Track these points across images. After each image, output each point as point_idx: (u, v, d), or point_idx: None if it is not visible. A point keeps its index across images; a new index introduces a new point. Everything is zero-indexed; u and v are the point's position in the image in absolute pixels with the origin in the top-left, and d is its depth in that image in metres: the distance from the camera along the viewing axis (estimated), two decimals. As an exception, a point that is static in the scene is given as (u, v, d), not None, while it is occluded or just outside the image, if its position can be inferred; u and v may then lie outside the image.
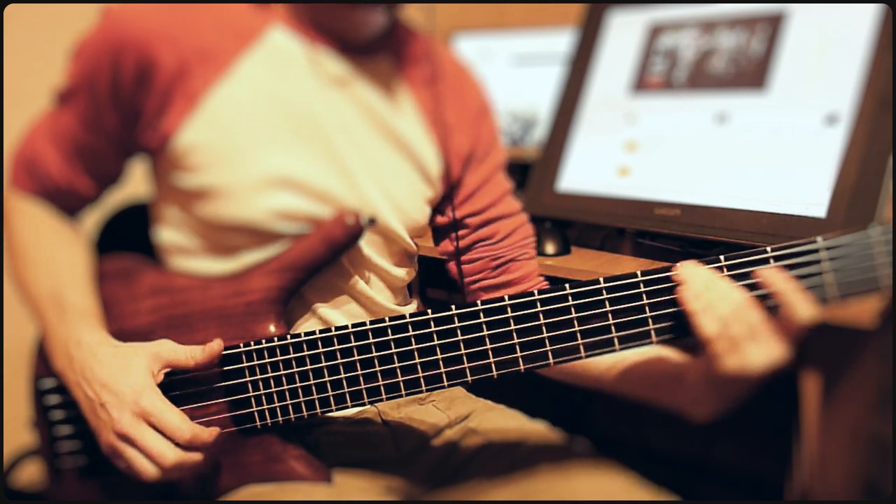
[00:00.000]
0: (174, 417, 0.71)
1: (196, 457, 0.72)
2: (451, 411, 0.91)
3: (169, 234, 0.84)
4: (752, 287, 0.68)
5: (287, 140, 0.79)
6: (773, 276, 0.67)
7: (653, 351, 0.80)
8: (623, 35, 1.22)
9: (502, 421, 0.91)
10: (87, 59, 0.79)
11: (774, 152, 1.00)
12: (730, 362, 0.67)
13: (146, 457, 0.71)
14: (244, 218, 0.78)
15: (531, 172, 1.24)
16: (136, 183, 0.92)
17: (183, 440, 0.71)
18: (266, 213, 0.78)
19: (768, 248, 0.68)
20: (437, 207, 0.92)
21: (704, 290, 0.68)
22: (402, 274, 0.90)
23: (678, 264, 0.71)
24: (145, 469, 0.71)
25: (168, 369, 0.75)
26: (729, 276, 0.69)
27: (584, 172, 1.18)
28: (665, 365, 0.78)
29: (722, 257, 0.69)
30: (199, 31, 0.77)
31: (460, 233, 0.92)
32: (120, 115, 0.80)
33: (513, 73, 1.69)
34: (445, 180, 0.90)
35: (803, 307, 0.66)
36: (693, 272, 0.69)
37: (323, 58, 0.81)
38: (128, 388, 0.71)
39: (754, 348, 0.66)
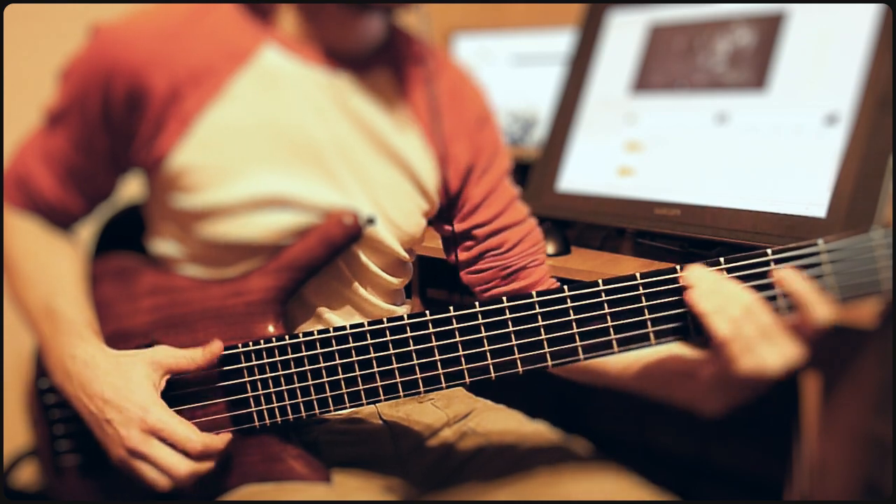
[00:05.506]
0: (184, 430, 0.72)
1: (209, 464, 0.73)
2: (449, 410, 0.91)
3: (165, 246, 0.83)
4: (760, 288, 0.68)
5: (281, 159, 0.78)
6: (789, 276, 0.67)
7: (665, 348, 0.79)
8: (623, 35, 1.22)
9: (501, 421, 0.90)
10: (77, 81, 0.78)
11: (774, 152, 1.00)
12: (744, 363, 0.67)
13: (159, 470, 0.72)
14: (241, 237, 0.78)
15: (531, 172, 1.24)
16: (136, 183, 0.91)
17: (195, 451, 0.72)
18: (262, 232, 0.78)
19: (768, 251, 0.68)
20: (444, 218, 0.92)
21: (712, 292, 0.68)
22: (397, 281, 0.90)
23: (682, 267, 0.70)
24: (158, 481, 0.72)
25: (169, 376, 0.75)
26: (734, 277, 0.69)
27: (584, 172, 1.18)
28: (677, 362, 0.77)
29: (722, 259, 0.69)
30: (191, 52, 0.76)
31: (468, 244, 0.91)
32: (112, 137, 0.79)
33: (513, 73, 1.68)
34: (444, 192, 0.89)
35: (821, 308, 0.66)
36: (700, 275, 0.69)
37: (317, 76, 0.81)
38: (132, 404, 0.72)
39: (768, 349, 0.66)
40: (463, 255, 0.92)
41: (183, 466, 0.71)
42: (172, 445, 0.72)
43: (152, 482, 0.72)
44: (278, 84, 0.79)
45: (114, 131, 0.78)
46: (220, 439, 0.74)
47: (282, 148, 0.79)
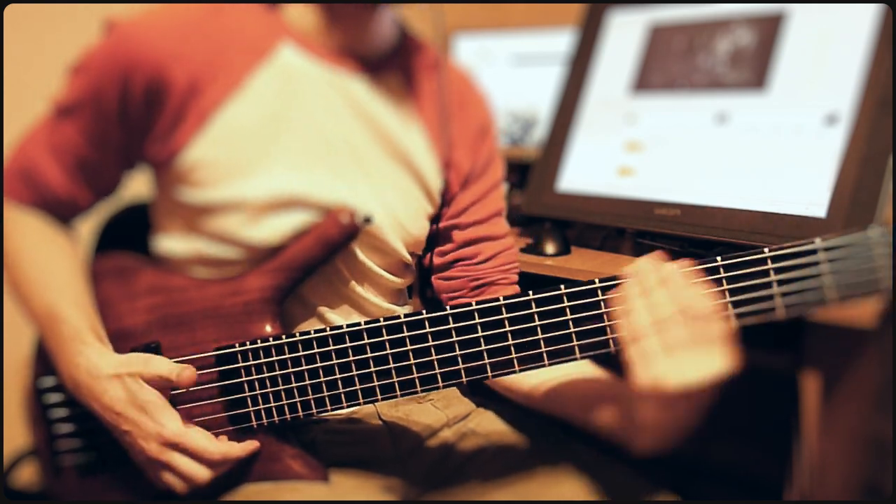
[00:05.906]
0: (202, 442, 0.73)
1: (228, 467, 0.75)
2: (449, 410, 0.91)
3: (171, 243, 0.84)
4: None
5: (293, 158, 0.79)
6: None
7: (583, 370, 0.77)
8: (623, 35, 1.22)
9: (501, 422, 0.90)
10: (94, 75, 0.78)
11: (774, 152, 0.99)
12: (642, 375, 0.61)
13: (179, 477, 0.73)
14: (247, 234, 0.78)
15: (531, 172, 1.24)
16: (136, 183, 0.91)
17: (212, 461, 0.73)
18: (273, 233, 0.78)
19: (766, 250, 0.68)
20: (433, 219, 0.92)
21: (642, 293, 0.63)
22: (400, 281, 0.90)
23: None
24: (177, 486, 0.74)
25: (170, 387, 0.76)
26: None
27: (584, 172, 1.17)
28: (596, 385, 0.75)
29: (719, 258, 0.68)
30: (210, 47, 0.77)
31: (444, 247, 0.91)
32: (127, 131, 0.79)
33: (513, 73, 1.68)
34: (443, 196, 0.90)
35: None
36: (645, 269, 0.65)
37: (331, 76, 0.81)
38: (147, 419, 0.73)
39: (670, 361, 0.60)
40: (437, 260, 0.92)
41: (201, 474, 0.73)
42: (191, 454, 0.73)
43: (174, 487, 0.74)
44: (294, 82, 0.79)
45: (129, 125, 0.79)
46: (239, 448, 0.75)
47: (295, 146, 0.79)
